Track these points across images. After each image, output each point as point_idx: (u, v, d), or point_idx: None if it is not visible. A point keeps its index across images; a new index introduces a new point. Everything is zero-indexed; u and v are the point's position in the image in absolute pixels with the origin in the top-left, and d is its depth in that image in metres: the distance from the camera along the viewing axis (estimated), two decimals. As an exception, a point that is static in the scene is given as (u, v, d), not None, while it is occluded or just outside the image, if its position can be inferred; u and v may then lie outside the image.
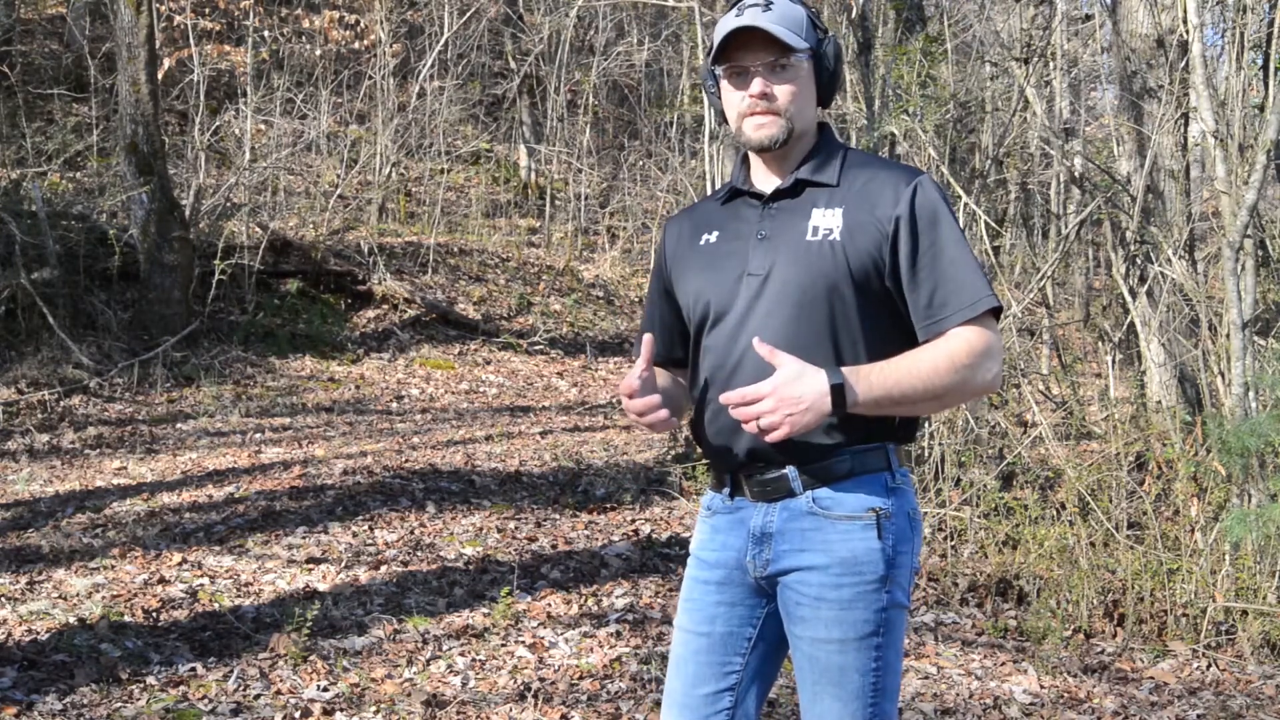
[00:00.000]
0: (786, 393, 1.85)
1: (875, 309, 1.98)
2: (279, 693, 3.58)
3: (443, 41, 13.36)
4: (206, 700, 3.49)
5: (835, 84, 2.07)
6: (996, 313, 1.96)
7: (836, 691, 2.00)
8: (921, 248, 1.95)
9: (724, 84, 2.06)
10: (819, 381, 1.86)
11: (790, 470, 1.99)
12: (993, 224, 7.37)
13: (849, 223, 1.98)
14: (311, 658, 3.82)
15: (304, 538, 5.08)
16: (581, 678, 3.85)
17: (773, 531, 2.01)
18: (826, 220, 1.99)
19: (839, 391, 1.86)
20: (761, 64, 2.00)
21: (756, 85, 2.00)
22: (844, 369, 1.89)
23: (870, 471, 1.98)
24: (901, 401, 1.91)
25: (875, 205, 1.98)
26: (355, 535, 5.17)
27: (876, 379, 1.89)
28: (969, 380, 1.92)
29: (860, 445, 1.97)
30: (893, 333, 1.99)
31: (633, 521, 5.73)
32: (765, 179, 2.09)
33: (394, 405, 8.83)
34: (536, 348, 10.74)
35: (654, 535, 5.49)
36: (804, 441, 1.95)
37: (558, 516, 5.72)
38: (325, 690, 3.61)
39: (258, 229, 10.67)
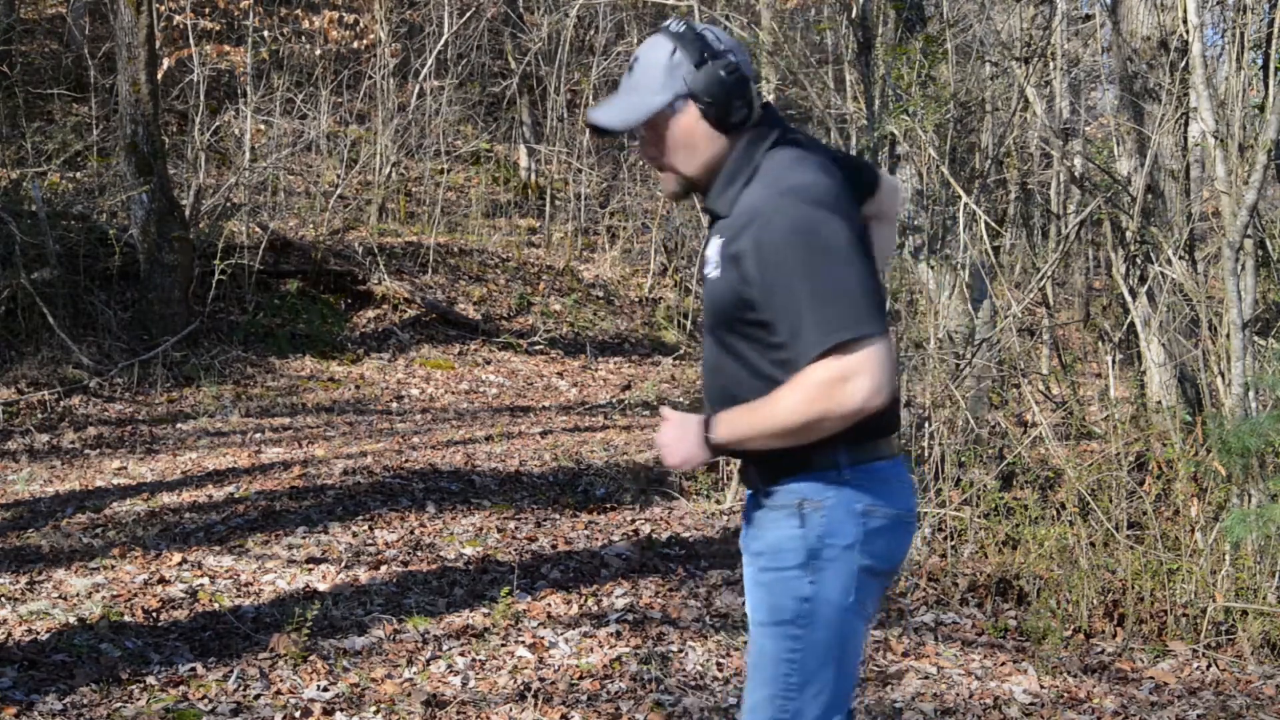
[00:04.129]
0: (671, 432, 2.07)
1: (761, 337, 2.01)
2: (279, 693, 3.59)
3: (442, 41, 13.35)
4: (206, 700, 3.49)
5: (728, 107, 2.03)
6: (864, 339, 1.88)
7: (756, 675, 2.08)
8: (769, 282, 1.93)
9: None
10: (691, 424, 2.04)
11: (753, 464, 2.11)
12: (993, 224, 7.37)
13: (724, 256, 2.01)
14: (311, 658, 3.83)
15: (304, 538, 5.08)
16: (581, 678, 3.85)
17: (749, 518, 2.16)
18: (713, 253, 2.05)
19: (707, 428, 2.02)
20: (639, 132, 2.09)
21: (640, 149, 2.11)
22: (715, 414, 2.03)
23: (813, 469, 2.02)
24: (762, 439, 1.98)
25: (738, 237, 1.98)
26: (355, 535, 5.17)
27: (734, 422, 1.99)
28: (833, 410, 1.89)
29: (807, 444, 1.99)
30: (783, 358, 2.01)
31: (633, 521, 5.73)
32: None
33: (394, 405, 8.83)
34: (536, 348, 10.74)
35: (654, 535, 5.49)
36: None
37: (558, 516, 5.72)
38: (325, 690, 3.61)
39: (258, 229, 10.67)
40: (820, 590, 2.01)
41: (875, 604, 2.10)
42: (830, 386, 1.88)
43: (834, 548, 2.01)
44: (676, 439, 2.06)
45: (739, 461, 2.18)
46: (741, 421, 1.99)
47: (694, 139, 2.06)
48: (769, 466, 2.07)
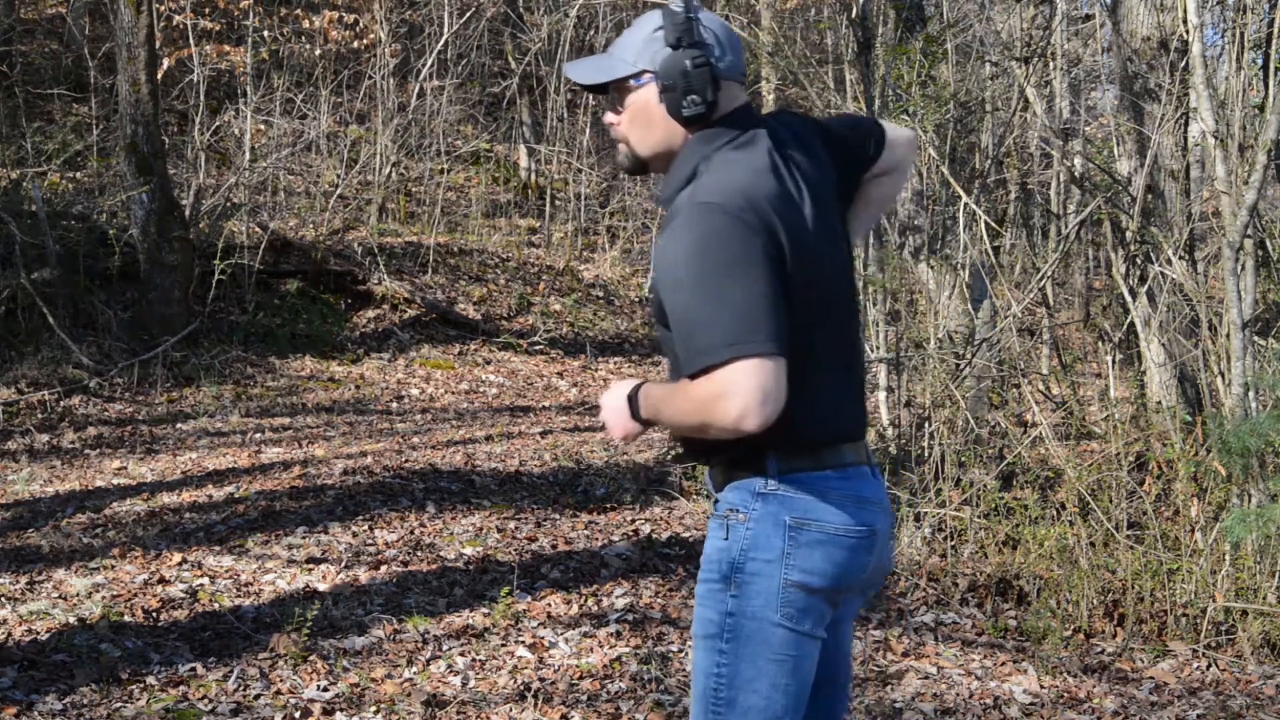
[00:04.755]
0: (609, 405, 2.06)
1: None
2: (279, 693, 3.59)
3: (442, 41, 13.35)
4: (206, 700, 3.49)
5: (681, 97, 2.00)
6: (734, 360, 1.84)
7: (694, 689, 2.05)
8: (667, 291, 1.93)
9: None
10: (620, 392, 2.04)
11: (706, 472, 2.13)
12: (993, 224, 7.37)
13: (653, 259, 2.04)
14: (311, 658, 3.83)
15: (304, 538, 5.08)
16: (581, 678, 3.85)
17: None
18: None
19: (632, 402, 2.02)
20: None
21: (605, 115, 2.12)
22: (645, 384, 2.02)
23: (743, 478, 2.01)
24: (671, 426, 2.00)
25: (662, 239, 1.98)
26: (355, 535, 5.17)
27: (652, 401, 2.00)
28: (712, 423, 1.87)
29: (738, 453, 1.99)
30: None
31: (633, 521, 5.72)
32: None
33: (394, 405, 8.83)
34: (536, 348, 10.74)
35: (654, 535, 5.49)
36: (700, 449, 2.05)
37: (558, 516, 5.72)
38: (325, 690, 3.61)
39: (258, 229, 10.67)
40: (744, 605, 1.97)
41: (821, 622, 2.01)
42: (706, 403, 1.86)
43: (757, 561, 1.97)
44: (613, 412, 2.05)
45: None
46: (658, 401, 1.99)
47: (649, 117, 2.05)
48: (713, 473, 2.07)
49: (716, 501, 2.06)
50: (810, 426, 1.99)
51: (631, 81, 2.05)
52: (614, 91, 2.08)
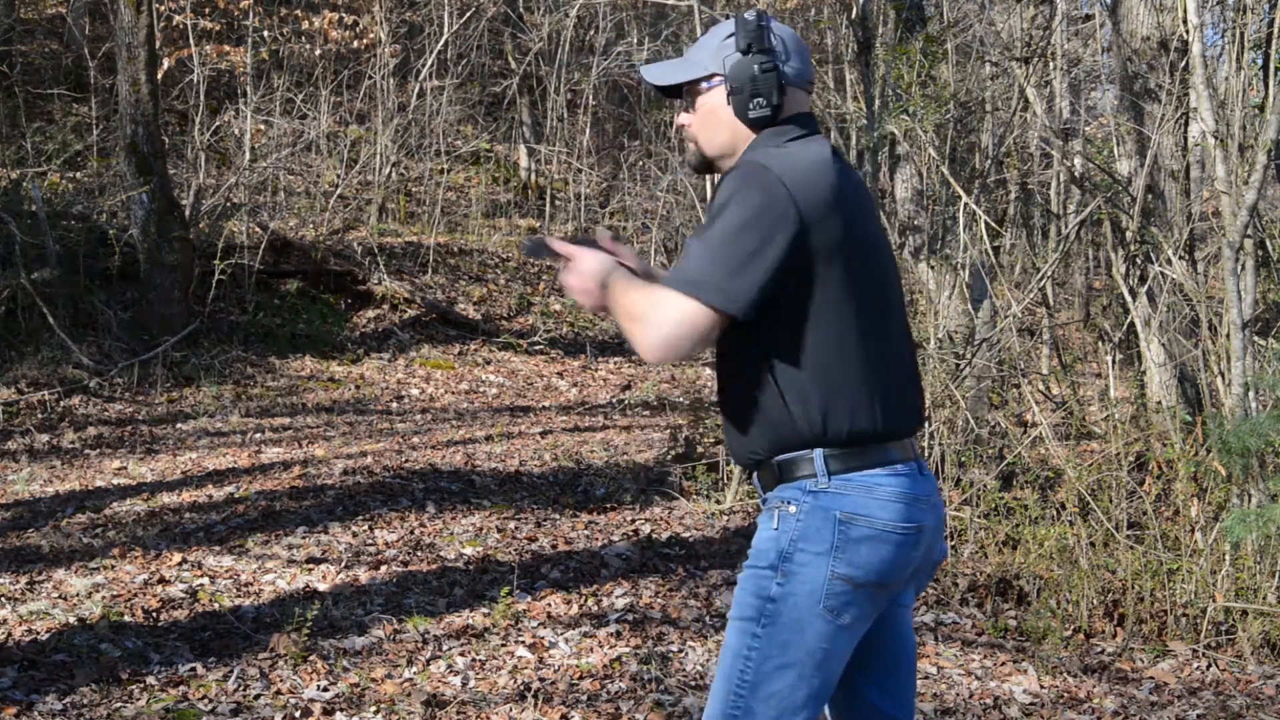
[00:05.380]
0: (581, 265, 2.10)
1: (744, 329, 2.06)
2: (279, 693, 3.59)
3: (442, 41, 13.35)
4: (206, 700, 3.49)
5: (749, 100, 2.10)
6: (711, 306, 1.95)
7: (719, 668, 2.09)
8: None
9: None
10: (596, 272, 2.09)
11: (754, 476, 2.16)
12: (993, 224, 7.37)
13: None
14: (311, 658, 3.83)
15: (304, 538, 5.08)
16: (581, 678, 3.85)
17: None
18: None
19: (605, 287, 2.08)
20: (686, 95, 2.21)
21: (679, 116, 2.22)
22: (621, 271, 2.08)
23: (799, 476, 2.06)
24: (615, 311, 2.06)
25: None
26: (355, 535, 5.17)
27: (616, 289, 2.06)
28: (634, 330, 2.00)
29: (787, 453, 2.06)
30: (774, 332, 2.05)
31: (633, 521, 5.73)
32: None
33: (394, 405, 8.83)
34: (536, 348, 10.74)
35: (654, 535, 5.49)
36: (749, 453, 2.12)
37: (558, 516, 5.72)
38: (325, 690, 3.61)
39: (258, 229, 10.67)
40: (787, 592, 2.01)
41: (862, 617, 2.04)
42: (636, 316, 1.99)
43: (806, 553, 2.01)
44: (585, 291, 2.10)
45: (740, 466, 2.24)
46: (616, 288, 2.06)
47: (718, 119, 2.15)
48: (766, 475, 2.11)
49: (765, 500, 2.12)
50: (858, 424, 2.04)
51: (703, 84, 2.16)
52: (687, 94, 2.19)
